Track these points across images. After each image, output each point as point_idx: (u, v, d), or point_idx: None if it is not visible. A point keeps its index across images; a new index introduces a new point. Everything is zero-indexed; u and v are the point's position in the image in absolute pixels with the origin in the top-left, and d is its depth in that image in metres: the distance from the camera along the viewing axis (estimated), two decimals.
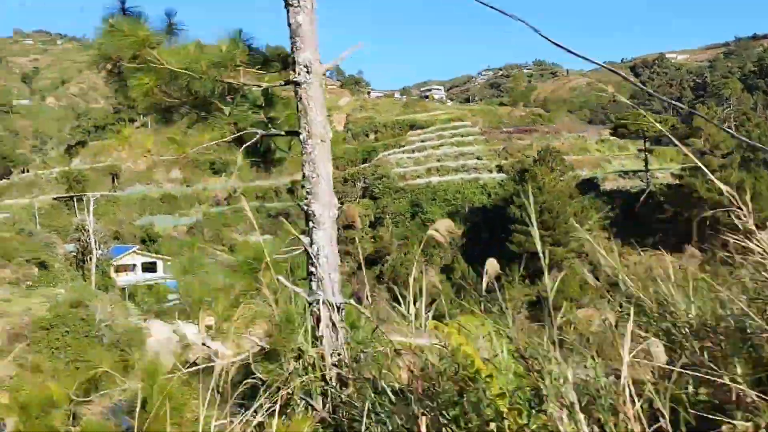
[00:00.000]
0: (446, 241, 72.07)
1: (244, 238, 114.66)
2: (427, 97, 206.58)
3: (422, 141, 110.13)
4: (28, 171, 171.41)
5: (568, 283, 64.63)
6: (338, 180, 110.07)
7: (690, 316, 2.71)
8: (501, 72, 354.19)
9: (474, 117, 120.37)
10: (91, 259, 65.43)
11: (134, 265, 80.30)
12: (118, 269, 76.03)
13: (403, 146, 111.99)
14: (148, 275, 79.97)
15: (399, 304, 3.74)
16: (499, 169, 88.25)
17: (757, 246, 2.57)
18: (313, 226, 5.70)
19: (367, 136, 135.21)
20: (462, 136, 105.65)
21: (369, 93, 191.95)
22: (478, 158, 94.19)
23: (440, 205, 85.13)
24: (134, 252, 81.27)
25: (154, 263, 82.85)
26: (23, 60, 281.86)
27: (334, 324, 4.80)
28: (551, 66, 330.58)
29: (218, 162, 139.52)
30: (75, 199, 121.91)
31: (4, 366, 44.13)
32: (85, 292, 55.18)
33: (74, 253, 65.77)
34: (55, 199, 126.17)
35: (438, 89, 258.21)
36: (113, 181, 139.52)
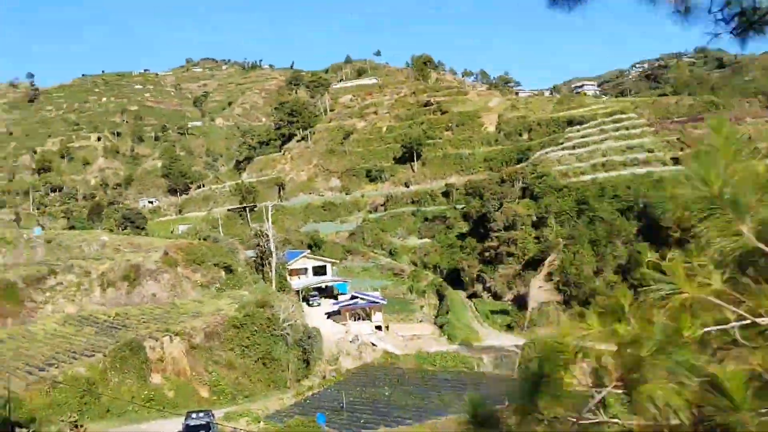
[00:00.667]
0: None
1: (403, 242, 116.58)
2: (578, 93, 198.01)
3: (582, 137, 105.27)
4: (203, 186, 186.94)
5: None
6: (495, 181, 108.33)
7: None
8: (657, 63, 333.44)
9: (637, 109, 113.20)
10: (269, 263, 69.19)
11: (306, 269, 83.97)
12: (291, 273, 79.88)
13: (562, 143, 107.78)
14: (319, 278, 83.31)
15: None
16: (675, 161, 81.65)
17: None
18: None
19: (520, 135, 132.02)
20: (627, 129, 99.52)
21: (517, 93, 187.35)
22: (649, 151, 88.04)
23: (609, 201, 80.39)
24: (305, 256, 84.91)
25: (324, 266, 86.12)
26: (194, 86, 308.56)
27: None
28: (715, 52, 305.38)
29: (374, 170, 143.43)
30: (247, 210, 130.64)
31: (203, 362, 47.61)
32: (268, 294, 58.31)
33: (254, 258, 69.95)
34: (229, 210, 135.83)
35: (590, 85, 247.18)
36: (279, 191, 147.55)
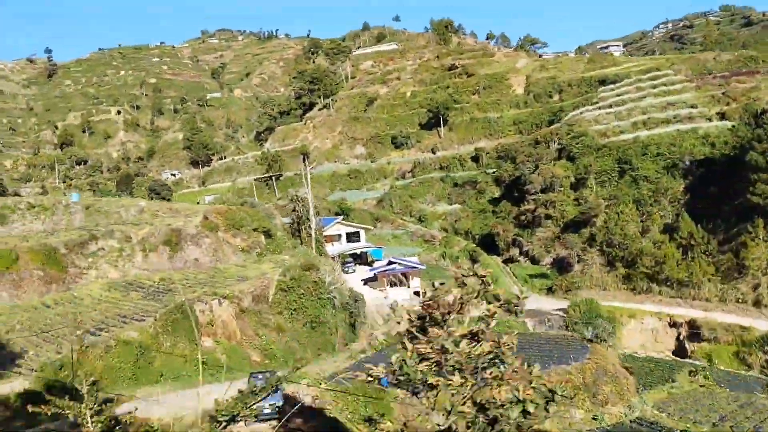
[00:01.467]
0: None
1: (432, 208, 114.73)
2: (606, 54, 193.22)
3: (618, 95, 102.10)
4: (225, 158, 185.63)
5: None
6: (528, 143, 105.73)
7: None
8: (681, 23, 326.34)
9: (673, 66, 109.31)
10: (306, 228, 67.82)
11: (339, 235, 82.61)
12: (325, 240, 78.53)
13: (596, 103, 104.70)
14: (353, 244, 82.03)
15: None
16: (721, 116, 78.59)
17: None
18: None
19: (550, 96, 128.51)
20: (666, 85, 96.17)
21: (541, 56, 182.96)
22: (692, 107, 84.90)
23: (653, 160, 77.69)
24: (339, 223, 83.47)
25: (357, 233, 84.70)
26: (210, 57, 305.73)
27: None
28: (742, 10, 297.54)
29: (399, 136, 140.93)
30: (273, 178, 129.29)
31: (252, 326, 46.52)
32: (311, 258, 57.00)
33: (290, 224, 68.54)
34: (255, 179, 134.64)
35: (616, 45, 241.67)
36: (304, 160, 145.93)
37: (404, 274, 72.63)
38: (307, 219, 67.79)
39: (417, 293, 71.30)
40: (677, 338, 60.02)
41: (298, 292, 48.03)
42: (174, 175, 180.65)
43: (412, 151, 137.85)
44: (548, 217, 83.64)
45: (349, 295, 52.39)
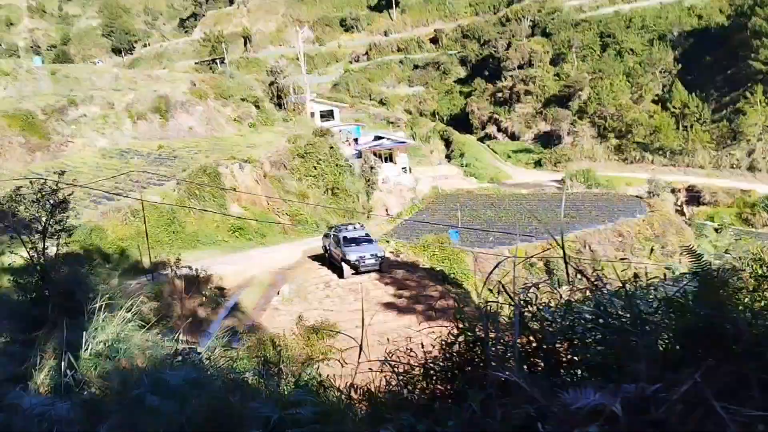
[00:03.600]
0: None
1: (393, 91, 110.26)
2: None
3: None
4: (148, 45, 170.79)
5: None
6: (494, 22, 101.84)
7: None
8: None
9: None
10: (286, 101, 62.76)
11: (312, 114, 77.36)
12: None
13: None
14: (330, 123, 77.18)
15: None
16: None
17: None
18: None
19: None
20: None
21: None
22: None
23: (638, 33, 75.85)
24: (313, 100, 77.90)
25: (332, 111, 79.62)
26: None
27: None
28: None
29: (349, 18, 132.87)
30: (218, 62, 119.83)
31: (276, 192, 42.42)
32: (313, 126, 52.65)
33: (271, 97, 63.00)
34: (197, 63, 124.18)
35: None
36: (245, 44, 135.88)
37: (390, 151, 69.26)
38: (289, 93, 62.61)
39: (404, 169, 68.41)
40: (675, 203, 60.50)
41: (316, 158, 44.02)
42: (94, 63, 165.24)
43: (363, 34, 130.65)
44: (528, 93, 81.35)
45: (365, 161, 48.87)
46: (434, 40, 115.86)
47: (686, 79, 67.37)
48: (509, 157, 76.65)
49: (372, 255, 24.64)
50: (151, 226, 32.49)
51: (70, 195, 10.80)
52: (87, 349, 8.68)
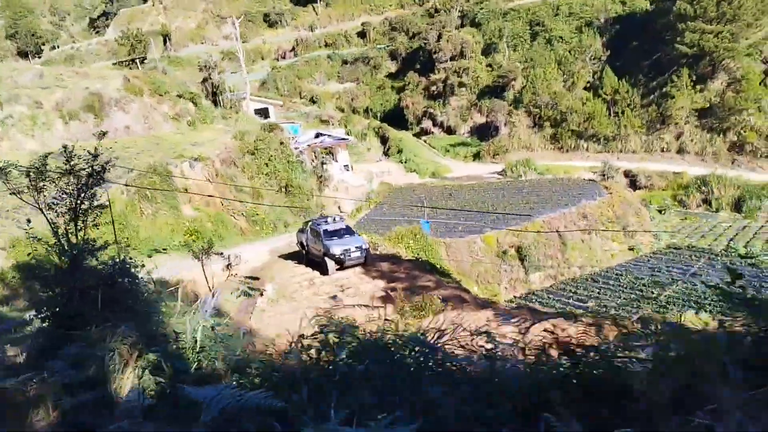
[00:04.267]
0: None
1: (324, 88, 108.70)
2: None
3: None
4: (57, 47, 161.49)
5: (747, 84, 59.47)
6: (422, 14, 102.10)
7: None
8: None
9: None
10: (221, 98, 60.41)
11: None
12: None
13: None
14: (267, 121, 74.90)
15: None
16: None
17: None
18: None
19: None
20: None
21: None
22: None
23: (566, 20, 77.76)
24: (250, 98, 75.51)
25: (267, 109, 77.66)
26: None
27: None
28: None
29: (273, 14, 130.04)
30: (138, 62, 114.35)
31: (229, 191, 40.42)
32: (256, 123, 50.74)
33: (206, 94, 60.47)
34: (115, 64, 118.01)
35: None
36: (165, 42, 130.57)
37: (330, 148, 68.01)
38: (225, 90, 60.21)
39: (346, 167, 67.35)
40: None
41: (267, 154, 42.33)
42: None
43: (288, 29, 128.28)
44: (462, 85, 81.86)
45: (316, 157, 47.47)
46: (362, 34, 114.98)
47: (615, 65, 69.52)
48: (447, 151, 76.90)
49: (357, 248, 23.56)
50: (101, 233, 30.11)
51: (109, 163, 9.44)
52: (174, 343, 7.61)
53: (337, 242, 23.60)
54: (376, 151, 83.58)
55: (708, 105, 61.45)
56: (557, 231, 31.06)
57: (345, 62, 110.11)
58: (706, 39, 60.11)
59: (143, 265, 24.17)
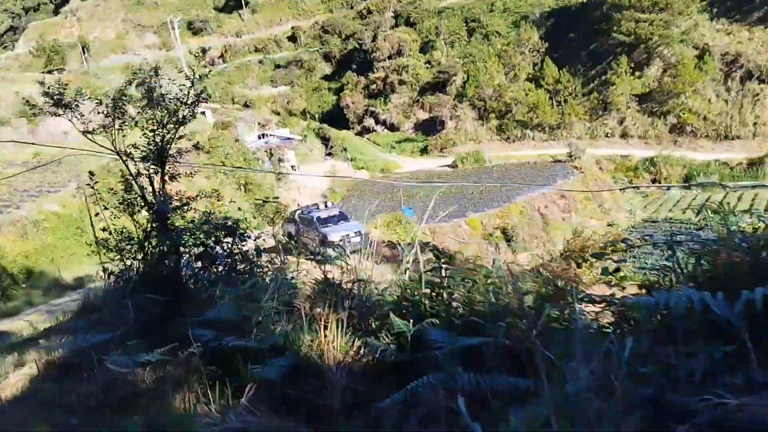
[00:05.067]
0: None
1: (257, 93, 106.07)
2: None
3: None
4: None
5: (682, 69, 61.44)
6: (353, 17, 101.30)
7: None
8: None
9: None
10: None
11: None
12: None
13: None
14: None
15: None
16: None
17: None
18: None
19: None
20: None
21: None
22: None
23: (501, 16, 78.70)
24: None
25: (204, 113, 74.12)
26: None
27: None
28: None
29: (197, 21, 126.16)
30: (57, 73, 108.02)
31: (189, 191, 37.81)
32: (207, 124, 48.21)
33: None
34: (43, 72, 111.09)
35: None
36: (83, 53, 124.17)
37: (278, 149, 65.91)
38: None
39: (293, 167, 65.41)
40: None
41: (223, 153, 40.11)
42: None
43: (213, 37, 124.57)
44: (402, 82, 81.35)
45: (270, 153, 45.47)
46: (293, 38, 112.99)
47: (554, 57, 70.62)
48: (393, 148, 76.15)
49: (356, 233, 22.04)
50: (58, 238, 27.51)
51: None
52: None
53: (334, 228, 22.04)
54: (319, 152, 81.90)
55: (648, 90, 63.28)
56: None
57: (277, 66, 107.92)
58: (641, 27, 61.95)
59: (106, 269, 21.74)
